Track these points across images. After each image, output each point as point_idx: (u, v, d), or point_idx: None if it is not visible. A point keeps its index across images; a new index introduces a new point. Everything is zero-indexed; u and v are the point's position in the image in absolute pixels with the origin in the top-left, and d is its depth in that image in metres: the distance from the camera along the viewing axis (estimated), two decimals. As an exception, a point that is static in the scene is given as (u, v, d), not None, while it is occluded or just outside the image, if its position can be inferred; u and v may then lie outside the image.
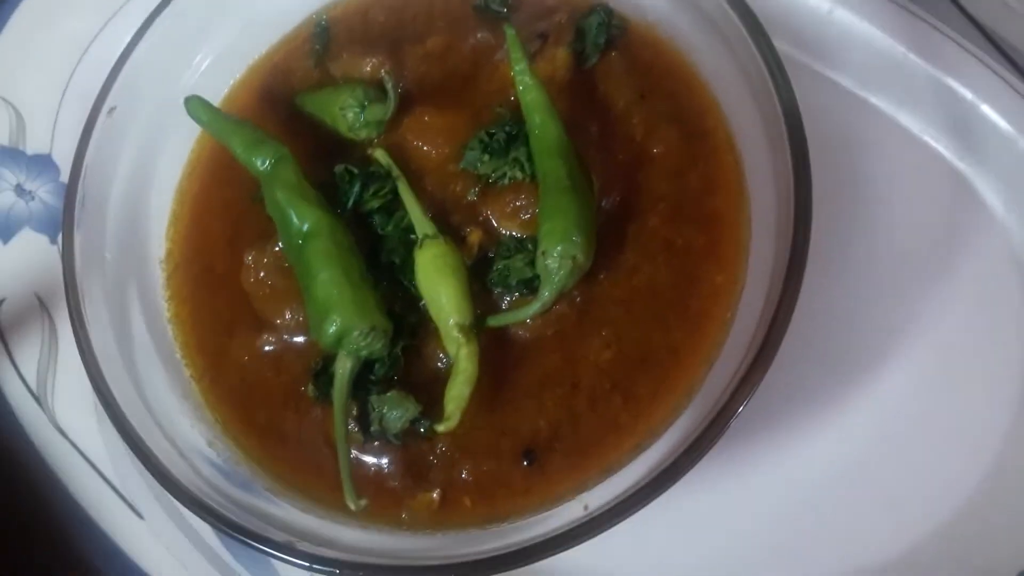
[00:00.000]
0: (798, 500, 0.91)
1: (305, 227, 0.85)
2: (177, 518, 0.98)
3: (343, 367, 0.83)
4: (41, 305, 1.09)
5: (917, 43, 1.02)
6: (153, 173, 1.00)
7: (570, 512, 0.79)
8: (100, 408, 1.00)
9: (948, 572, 0.89)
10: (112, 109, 0.94)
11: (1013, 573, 0.87)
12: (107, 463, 1.01)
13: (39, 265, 1.11)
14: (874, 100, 1.04)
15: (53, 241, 1.13)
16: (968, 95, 1.00)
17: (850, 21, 1.05)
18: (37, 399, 1.05)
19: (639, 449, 0.83)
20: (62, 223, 0.91)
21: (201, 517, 0.79)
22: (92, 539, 0.99)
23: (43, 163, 1.16)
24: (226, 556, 0.97)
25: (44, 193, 1.15)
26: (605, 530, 0.74)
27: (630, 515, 0.74)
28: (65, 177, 1.14)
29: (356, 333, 0.82)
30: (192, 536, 0.97)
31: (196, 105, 0.92)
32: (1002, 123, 0.98)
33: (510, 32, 0.89)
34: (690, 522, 0.91)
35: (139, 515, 0.99)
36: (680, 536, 0.91)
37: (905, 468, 0.91)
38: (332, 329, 0.82)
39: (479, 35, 1.00)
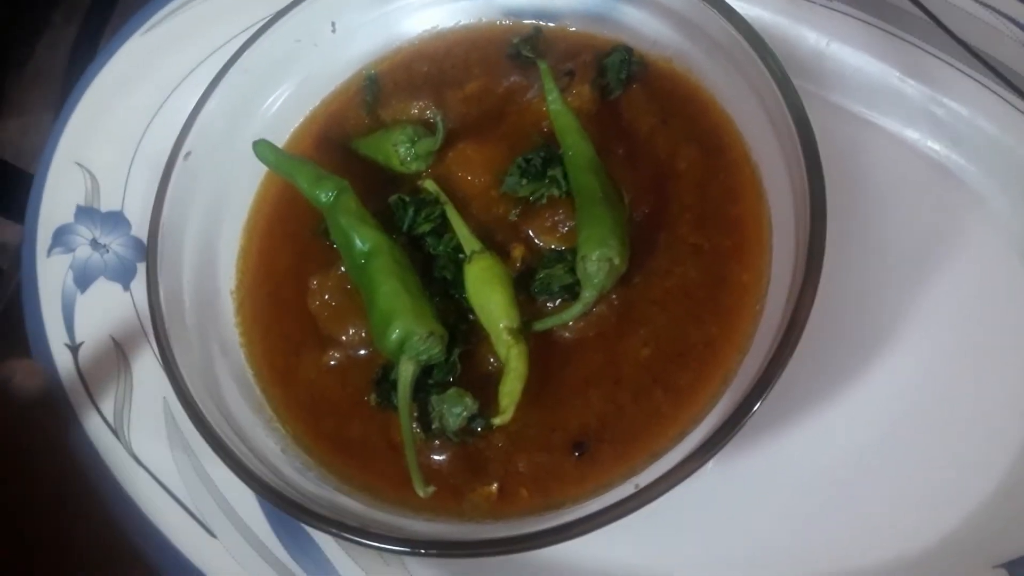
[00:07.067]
0: (826, 482, 0.96)
1: (367, 247, 0.94)
2: (247, 534, 1.03)
3: (406, 370, 0.89)
4: (116, 346, 1.16)
5: (910, 66, 1.11)
6: (223, 212, 1.09)
7: (622, 492, 0.84)
8: (172, 437, 1.10)
9: (975, 560, 0.91)
10: (188, 154, 1.03)
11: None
12: (180, 487, 1.06)
13: (114, 311, 1.18)
14: (878, 120, 1.11)
15: (126, 288, 1.20)
16: (963, 109, 1.08)
17: (845, 52, 1.14)
18: (115, 431, 1.11)
19: (683, 435, 0.88)
20: (147, 258, 0.99)
21: (282, 509, 0.84)
22: (167, 557, 1.03)
23: (115, 219, 1.25)
24: (294, 567, 1.01)
25: (117, 246, 1.23)
26: (653, 500, 0.79)
27: (674, 487, 0.79)
28: (136, 231, 1.24)
29: (416, 338, 0.89)
30: (261, 550, 1.02)
31: (264, 148, 1.02)
32: (992, 129, 1.06)
33: (543, 65, 0.99)
34: (722, 507, 0.96)
35: (211, 534, 1.04)
36: (715, 519, 0.96)
37: (921, 452, 0.96)
38: (395, 335, 0.89)
39: (512, 79, 1.10)
